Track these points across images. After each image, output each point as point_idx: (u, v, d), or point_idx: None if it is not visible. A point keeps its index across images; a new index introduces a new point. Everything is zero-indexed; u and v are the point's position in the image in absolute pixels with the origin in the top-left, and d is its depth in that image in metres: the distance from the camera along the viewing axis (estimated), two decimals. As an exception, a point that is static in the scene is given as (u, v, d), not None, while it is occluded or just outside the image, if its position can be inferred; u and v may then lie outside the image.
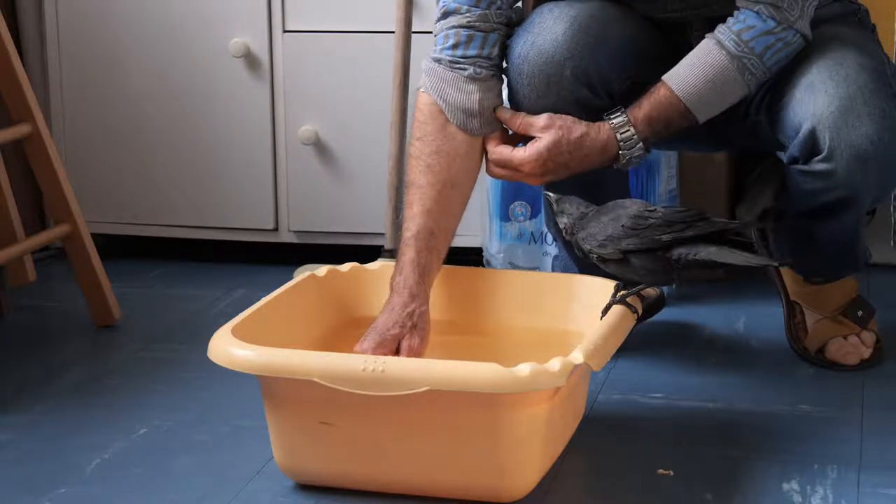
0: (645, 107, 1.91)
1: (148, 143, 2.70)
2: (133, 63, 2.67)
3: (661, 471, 1.74)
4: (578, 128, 1.90)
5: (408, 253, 1.88)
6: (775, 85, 1.97)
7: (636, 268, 1.84)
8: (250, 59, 2.62)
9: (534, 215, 2.47)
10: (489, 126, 1.95)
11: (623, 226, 1.83)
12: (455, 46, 1.94)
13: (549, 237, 2.45)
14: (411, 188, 1.92)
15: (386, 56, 2.45)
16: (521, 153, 1.91)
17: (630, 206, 1.86)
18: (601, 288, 1.88)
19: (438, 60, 1.94)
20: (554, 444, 1.73)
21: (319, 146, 2.62)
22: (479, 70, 1.94)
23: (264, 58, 2.62)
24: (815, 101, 1.90)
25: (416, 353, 1.81)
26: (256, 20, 2.61)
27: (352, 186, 2.63)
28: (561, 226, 1.93)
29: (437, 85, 1.94)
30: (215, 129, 2.66)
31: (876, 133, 1.88)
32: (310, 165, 2.63)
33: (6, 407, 1.99)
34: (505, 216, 2.47)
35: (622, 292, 1.82)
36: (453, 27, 1.94)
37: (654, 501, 1.69)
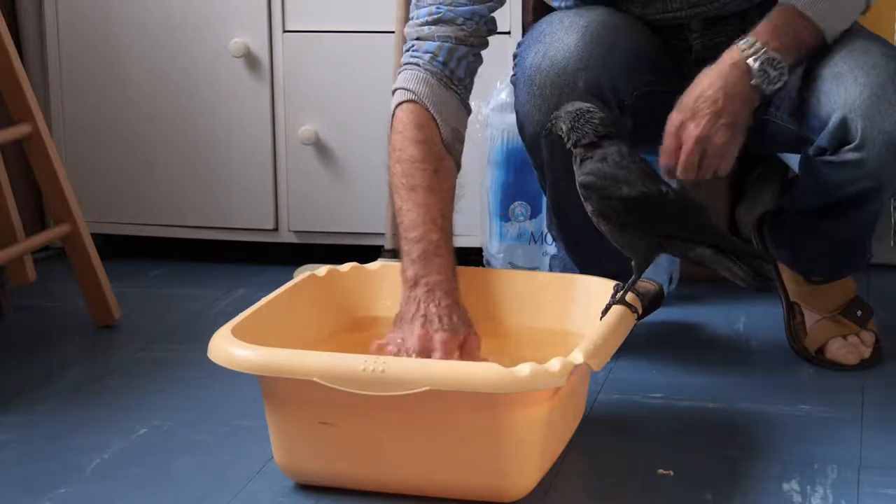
0: (764, 23, 1.89)
1: (148, 143, 2.70)
2: (133, 63, 2.67)
3: (661, 471, 1.74)
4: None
5: (445, 254, 1.84)
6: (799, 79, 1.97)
7: (626, 238, 1.83)
8: (250, 59, 2.62)
9: (534, 215, 2.47)
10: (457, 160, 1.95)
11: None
12: (445, 63, 1.92)
13: (549, 237, 2.45)
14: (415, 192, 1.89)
15: (386, 56, 2.45)
16: None
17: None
18: (601, 288, 1.88)
19: (430, 72, 1.92)
20: (554, 444, 1.73)
21: (319, 146, 2.62)
22: (462, 95, 1.94)
23: (264, 58, 2.62)
24: (845, 91, 1.89)
25: (475, 354, 1.79)
26: (256, 20, 2.61)
27: (352, 186, 2.63)
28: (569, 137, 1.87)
29: (432, 99, 1.91)
30: (215, 130, 2.66)
31: None
32: (310, 165, 2.63)
33: (6, 407, 1.99)
34: (505, 216, 2.47)
35: (622, 292, 1.82)
36: (448, 38, 1.92)
37: (654, 501, 1.69)
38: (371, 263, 2.00)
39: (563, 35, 1.96)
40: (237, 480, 1.73)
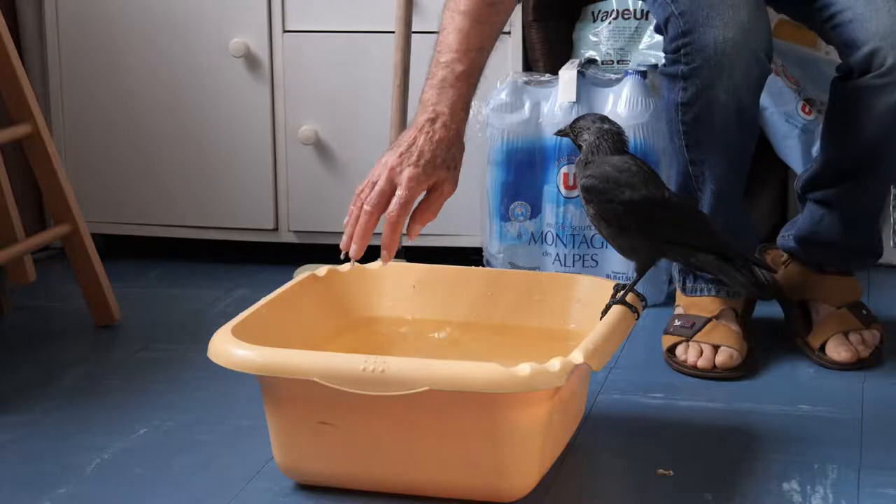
0: None
1: (148, 143, 2.70)
2: (133, 63, 2.67)
3: (661, 471, 1.74)
4: None
5: (462, 87, 1.85)
6: None
7: (628, 241, 1.83)
8: (250, 59, 2.62)
9: (534, 215, 2.47)
10: None
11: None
12: None
13: (549, 237, 2.45)
14: (456, 31, 1.86)
15: (386, 56, 2.45)
16: None
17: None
18: (601, 288, 1.88)
19: None
20: (554, 444, 1.73)
21: (319, 146, 2.62)
22: None
23: (264, 58, 2.62)
24: (877, 21, 1.95)
25: (440, 199, 1.82)
26: (256, 20, 2.61)
27: (352, 186, 2.61)
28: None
29: None
30: (215, 129, 2.66)
31: None
32: (310, 165, 2.63)
33: (6, 407, 1.99)
34: (505, 216, 2.47)
35: (622, 292, 1.82)
36: None
37: (654, 501, 1.69)
38: (371, 263, 2.00)
39: (733, 13, 1.96)
40: (237, 480, 1.73)
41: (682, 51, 1.98)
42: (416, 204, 1.82)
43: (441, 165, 1.82)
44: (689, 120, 2.02)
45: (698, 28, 1.96)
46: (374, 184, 1.81)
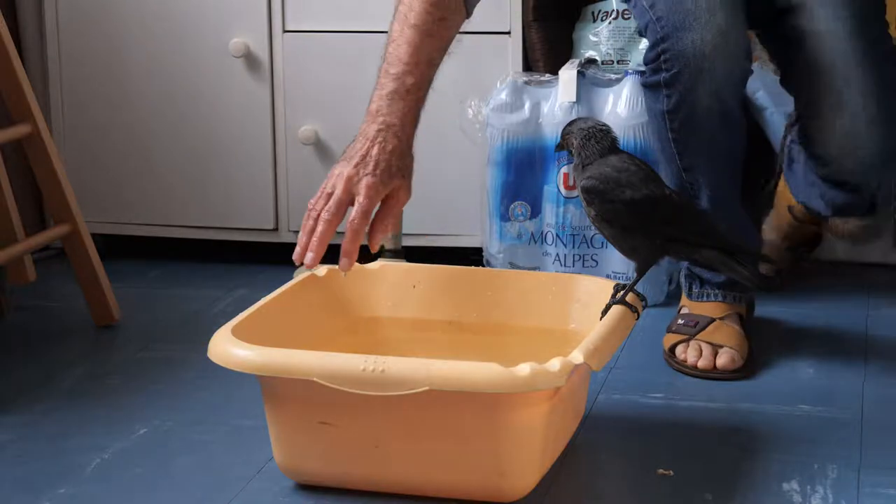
0: None
1: (148, 143, 2.70)
2: (133, 63, 2.67)
3: (661, 471, 1.74)
4: None
5: (411, 100, 1.85)
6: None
7: (630, 241, 1.83)
8: (250, 59, 2.62)
9: (534, 215, 2.47)
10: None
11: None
12: None
13: (549, 237, 2.45)
14: (401, 39, 1.88)
15: (386, 56, 2.45)
16: None
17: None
18: (601, 288, 1.88)
19: None
20: (554, 444, 1.73)
21: (319, 146, 2.62)
22: None
23: (264, 58, 2.62)
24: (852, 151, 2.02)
25: (397, 207, 1.84)
26: (256, 20, 2.61)
27: (352, 186, 2.62)
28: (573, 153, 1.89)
29: None
30: (215, 129, 2.66)
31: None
32: (310, 165, 2.63)
33: (6, 407, 1.99)
34: (505, 216, 2.47)
35: (622, 292, 1.82)
36: None
37: (654, 501, 1.69)
38: (371, 263, 2.00)
39: (708, 16, 1.97)
40: (237, 480, 1.73)
41: (662, 57, 1.99)
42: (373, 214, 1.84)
43: (396, 174, 1.83)
44: (677, 127, 2.02)
45: (675, 33, 1.96)
46: (330, 195, 1.82)
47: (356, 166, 1.82)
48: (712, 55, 1.95)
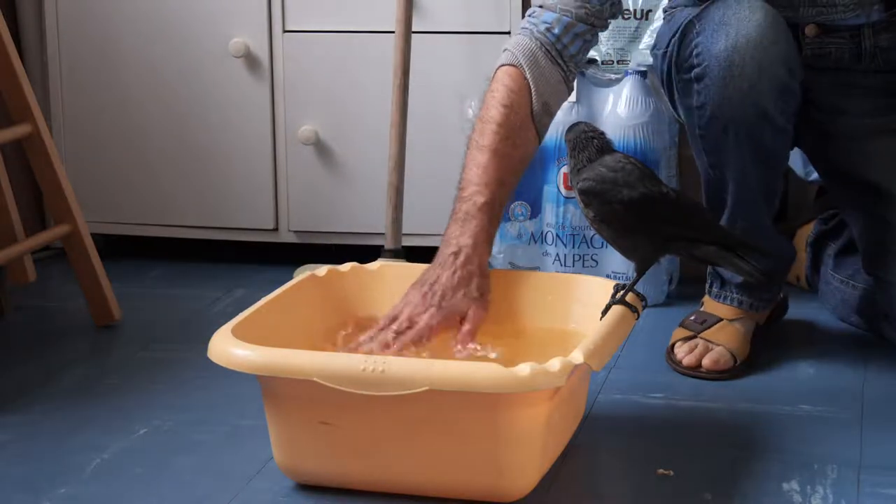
0: None
1: (148, 143, 2.70)
2: (133, 63, 2.67)
3: (661, 471, 1.74)
4: None
5: (483, 218, 1.85)
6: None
7: (629, 241, 1.83)
8: (250, 59, 2.62)
9: (534, 215, 2.47)
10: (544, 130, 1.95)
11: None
12: (559, 38, 1.92)
13: (549, 237, 2.45)
14: (481, 151, 1.88)
15: (386, 56, 2.45)
16: None
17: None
18: (601, 288, 1.88)
19: (541, 42, 1.91)
20: (554, 444, 1.73)
21: (319, 146, 2.62)
22: (567, 72, 1.93)
23: (264, 58, 2.62)
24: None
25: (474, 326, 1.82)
26: (256, 20, 2.61)
27: (352, 186, 2.63)
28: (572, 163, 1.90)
29: (534, 71, 1.90)
30: (215, 130, 2.66)
31: None
32: (310, 165, 2.63)
33: (6, 407, 1.99)
34: (505, 216, 2.47)
35: (622, 292, 1.82)
36: (568, 12, 1.92)
37: (654, 501, 1.69)
38: (371, 263, 2.00)
39: (749, 14, 1.96)
40: (237, 480, 1.73)
41: (695, 51, 1.98)
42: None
43: (463, 301, 1.81)
44: (704, 124, 2.02)
45: (712, 30, 1.96)
46: (395, 318, 1.81)
47: (424, 296, 1.81)
48: (744, 50, 1.94)
